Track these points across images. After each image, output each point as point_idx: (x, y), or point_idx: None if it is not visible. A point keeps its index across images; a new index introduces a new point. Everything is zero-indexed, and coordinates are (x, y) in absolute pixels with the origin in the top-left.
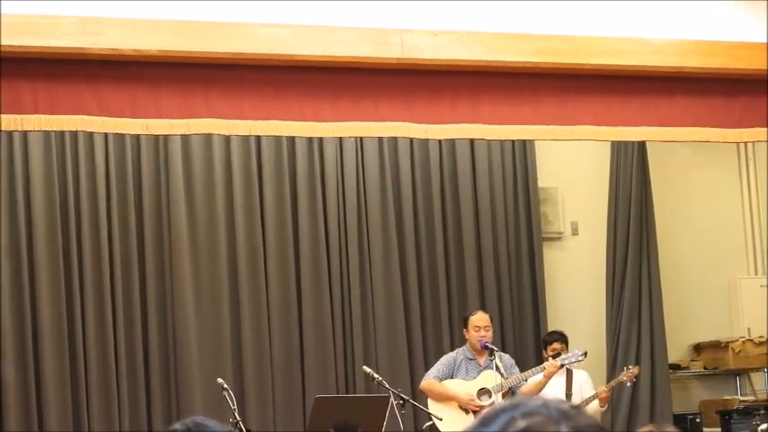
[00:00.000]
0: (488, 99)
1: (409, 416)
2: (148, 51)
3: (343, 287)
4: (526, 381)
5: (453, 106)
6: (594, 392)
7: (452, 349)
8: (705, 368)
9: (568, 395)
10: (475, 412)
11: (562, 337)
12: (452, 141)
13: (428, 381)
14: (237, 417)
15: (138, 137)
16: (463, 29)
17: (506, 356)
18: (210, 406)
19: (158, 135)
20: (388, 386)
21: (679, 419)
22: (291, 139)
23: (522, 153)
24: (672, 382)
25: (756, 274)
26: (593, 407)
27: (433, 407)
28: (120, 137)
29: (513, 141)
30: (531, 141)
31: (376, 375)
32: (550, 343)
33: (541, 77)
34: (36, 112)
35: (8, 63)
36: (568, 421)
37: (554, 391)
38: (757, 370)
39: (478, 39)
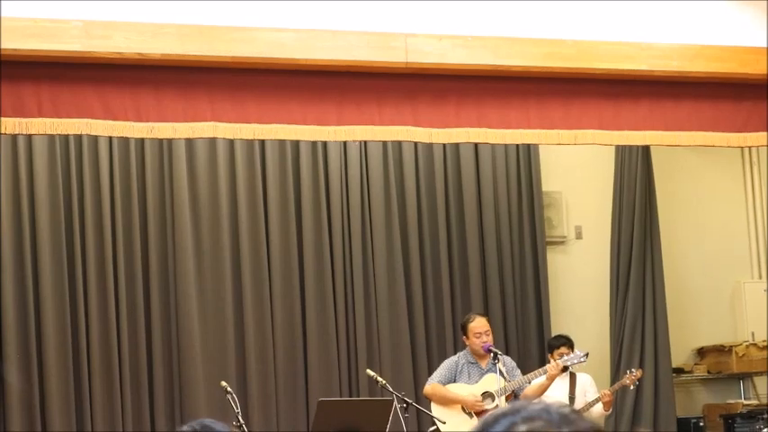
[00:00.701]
0: (493, 103)
1: (413, 419)
2: (153, 55)
3: (346, 290)
4: (529, 383)
5: (458, 110)
6: (597, 396)
7: (456, 353)
8: (708, 372)
9: (571, 398)
10: (479, 414)
11: (568, 342)
12: (457, 145)
13: (432, 385)
14: (241, 420)
15: (142, 140)
16: (468, 33)
17: (508, 359)
18: (214, 409)
19: (163, 139)
20: (391, 389)
21: (682, 423)
22: (296, 143)
23: (527, 157)
24: (675, 386)
25: (760, 278)
26: (598, 411)
27: (437, 411)
28: (125, 140)
29: (517, 145)
30: (536, 145)
31: (379, 378)
32: (557, 347)
33: (546, 82)
34: (40, 115)
35: (13, 66)
36: (569, 425)
37: (557, 394)
38: (761, 374)
39: (483, 43)
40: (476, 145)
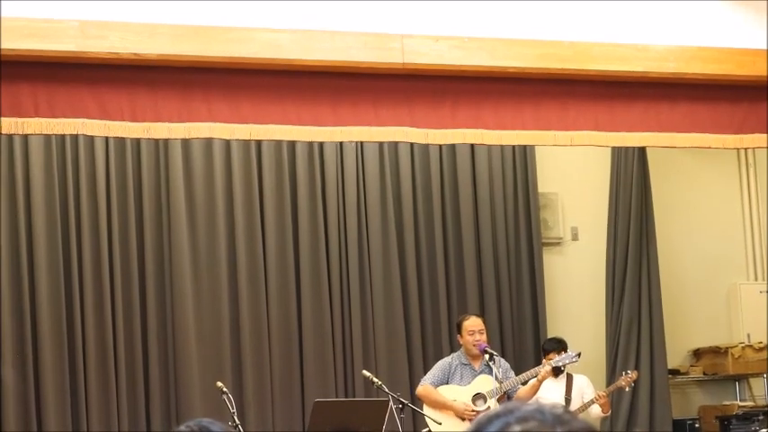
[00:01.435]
0: (489, 104)
1: (408, 420)
2: (149, 55)
3: (342, 291)
4: (524, 384)
5: (454, 111)
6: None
7: (452, 353)
8: (704, 374)
9: (568, 400)
10: (472, 420)
11: (560, 345)
12: (453, 146)
13: (424, 387)
14: (237, 420)
15: (138, 141)
16: (464, 34)
17: (503, 361)
18: (210, 409)
19: (158, 139)
20: (387, 390)
21: (678, 425)
22: (292, 144)
23: (523, 158)
24: (671, 387)
25: (756, 279)
26: (596, 412)
27: (430, 413)
28: (121, 141)
29: (513, 147)
30: (532, 147)
31: (375, 379)
32: (550, 352)
33: (542, 83)
34: (37, 115)
35: (9, 66)
36: (563, 426)
37: (554, 395)
38: (756, 375)
39: (479, 44)
40: (472, 146)
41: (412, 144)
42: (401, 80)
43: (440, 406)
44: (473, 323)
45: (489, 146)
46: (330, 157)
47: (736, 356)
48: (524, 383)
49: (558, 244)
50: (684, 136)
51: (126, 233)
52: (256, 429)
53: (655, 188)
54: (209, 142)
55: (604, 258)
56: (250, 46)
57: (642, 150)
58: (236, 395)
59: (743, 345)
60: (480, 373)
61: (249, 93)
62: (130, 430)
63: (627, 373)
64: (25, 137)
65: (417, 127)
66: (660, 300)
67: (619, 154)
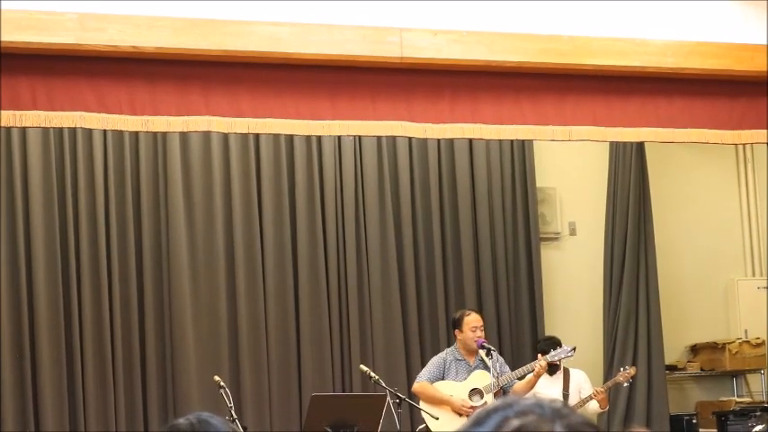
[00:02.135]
0: (487, 99)
1: (405, 415)
2: (147, 48)
3: (340, 286)
4: (521, 379)
5: (452, 106)
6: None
7: (445, 349)
8: (702, 369)
9: (566, 395)
10: (468, 415)
11: (554, 346)
12: (451, 141)
13: (420, 383)
14: (234, 414)
15: (136, 134)
16: (463, 28)
17: (498, 356)
18: (207, 404)
19: (157, 132)
20: (384, 385)
21: (675, 420)
22: (290, 138)
23: (521, 153)
24: (668, 382)
25: (754, 275)
26: (593, 407)
27: (426, 408)
28: (119, 134)
29: (511, 141)
30: (530, 141)
31: (373, 374)
32: (546, 351)
33: (540, 77)
34: (35, 108)
35: (7, 59)
36: (562, 420)
37: (552, 391)
38: (754, 371)
39: (478, 38)
40: (470, 140)
41: (410, 138)
42: (399, 74)
43: (437, 401)
44: (475, 319)
45: (487, 140)
46: (328, 151)
47: (734, 352)
48: (520, 379)
49: (556, 239)
50: (683, 131)
51: (124, 227)
52: (253, 424)
53: (653, 183)
54: (207, 136)
55: (602, 253)
56: (249, 39)
57: (640, 145)
58: (234, 390)
59: (740, 340)
60: (475, 368)
61: (248, 86)
62: (128, 428)
63: (625, 369)
64: (23, 130)
65: (415, 121)
66: (658, 295)
67: (617, 149)
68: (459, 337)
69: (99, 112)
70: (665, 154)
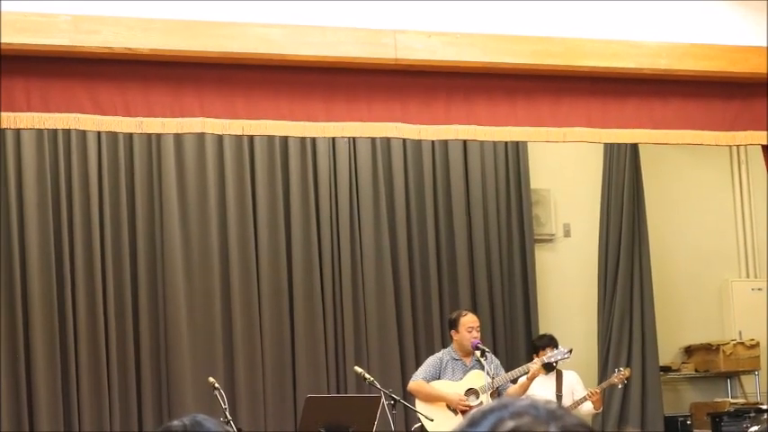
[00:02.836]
0: (482, 100)
1: (400, 416)
2: (141, 50)
3: (334, 287)
4: (515, 381)
5: (447, 107)
6: (586, 393)
7: (442, 350)
8: (696, 370)
9: (559, 396)
10: (463, 412)
11: (552, 342)
12: (445, 142)
13: (416, 382)
14: (228, 416)
15: (130, 135)
16: (457, 30)
17: (493, 357)
18: (201, 405)
19: (151, 134)
20: (379, 386)
21: (670, 422)
22: (284, 139)
23: (515, 155)
24: (663, 384)
25: (748, 276)
26: (587, 409)
27: (422, 408)
28: (113, 135)
29: (505, 143)
30: (524, 143)
31: (367, 375)
32: (542, 348)
33: (535, 79)
34: (29, 109)
35: (2, 60)
36: (557, 421)
37: (544, 392)
38: (748, 372)
39: (472, 40)
40: (464, 142)
41: (404, 140)
42: (394, 76)
43: (433, 399)
44: (471, 320)
45: (482, 142)
46: (322, 153)
47: (728, 353)
48: (515, 380)
49: (551, 240)
50: (677, 132)
51: (118, 229)
52: (248, 425)
53: (647, 185)
54: (201, 137)
55: (596, 255)
56: (243, 41)
57: (634, 147)
58: (229, 391)
59: (734, 342)
60: (471, 368)
61: (242, 88)
62: (122, 428)
63: (620, 371)
64: (17, 131)
65: (410, 123)
66: (652, 296)
67: (611, 150)
68: (455, 338)
69: (93, 114)
70: (659, 155)
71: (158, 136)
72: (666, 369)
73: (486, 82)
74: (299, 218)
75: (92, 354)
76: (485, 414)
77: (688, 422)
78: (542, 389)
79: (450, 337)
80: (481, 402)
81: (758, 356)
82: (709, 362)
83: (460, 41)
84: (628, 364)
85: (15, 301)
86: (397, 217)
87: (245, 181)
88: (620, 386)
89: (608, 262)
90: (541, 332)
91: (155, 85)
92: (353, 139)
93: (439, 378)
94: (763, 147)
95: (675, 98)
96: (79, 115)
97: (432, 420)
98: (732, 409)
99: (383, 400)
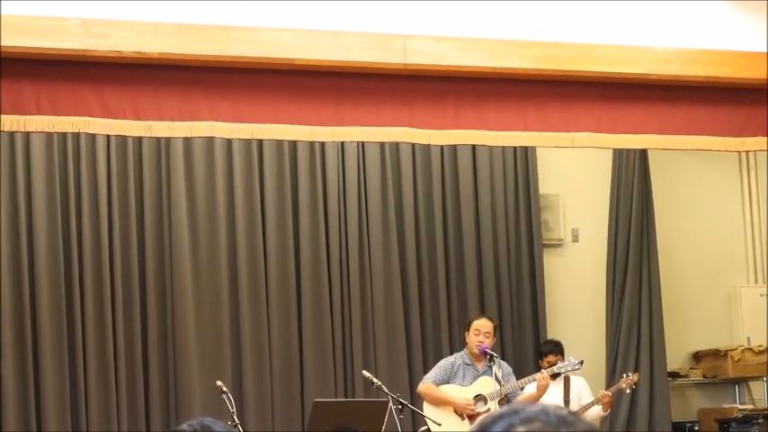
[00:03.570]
0: (491, 105)
1: (408, 421)
2: (151, 54)
3: (343, 292)
4: (522, 389)
5: (456, 112)
6: (593, 399)
7: (452, 354)
8: (704, 376)
9: (566, 401)
10: (470, 417)
11: (557, 348)
12: (454, 147)
13: (425, 384)
14: (236, 420)
15: (140, 139)
16: (466, 35)
17: (505, 364)
18: (209, 409)
19: (160, 137)
20: (387, 391)
21: (678, 427)
22: (293, 144)
23: (524, 160)
24: (671, 389)
25: (756, 282)
26: (594, 413)
27: (430, 411)
28: (123, 139)
29: (514, 148)
30: (533, 148)
31: (375, 380)
32: (546, 355)
33: (544, 84)
34: (39, 113)
35: (11, 64)
36: (567, 427)
37: (552, 398)
38: (756, 379)
39: (481, 45)
40: (473, 147)
41: (413, 145)
42: (403, 80)
43: (441, 402)
44: (481, 324)
45: (491, 147)
46: (331, 158)
47: (736, 359)
48: (523, 389)
49: (559, 245)
50: (685, 138)
51: (127, 232)
52: (256, 429)
53: (655, 190)
54: (210, 141)
55: (605, 260)
56: (252, 45)
57: (643, 152)
58: (236, 395)
59: (743, 348)
60: (483, 374)
61: (251, 92)
62: (130, 430)
63: (628, 376)
64: (27, 134)
65: (419, 128)
66: (660, 302)
67: (620, 156)
68: (467, 341)
69: (103, 118)
70: (667, 161)
71: (167, 140)
72: (674, 375)
73: (495, 87)
74: (307, 222)
75: (100, 356)
76: (495, 419)
77: (696, 428)
78: (550, 394)
79: (463, 340)
80: (489, 409)
81: (766, 362)
82: (717, 368)
83: (470, 46)
84: (636, 370)
85: (24, 304)
86: (405, 222)
87: (253, 185)
88: (627, 391)
89: (616, 267)
90: (549, 337)
91: (164, 89)
92: (362, 143)
93: (449, 382)
94: None
95: (684, 104)
96: (88, 119)
97: (439, 425)
98: (740, 416)
99: (391, 404)
